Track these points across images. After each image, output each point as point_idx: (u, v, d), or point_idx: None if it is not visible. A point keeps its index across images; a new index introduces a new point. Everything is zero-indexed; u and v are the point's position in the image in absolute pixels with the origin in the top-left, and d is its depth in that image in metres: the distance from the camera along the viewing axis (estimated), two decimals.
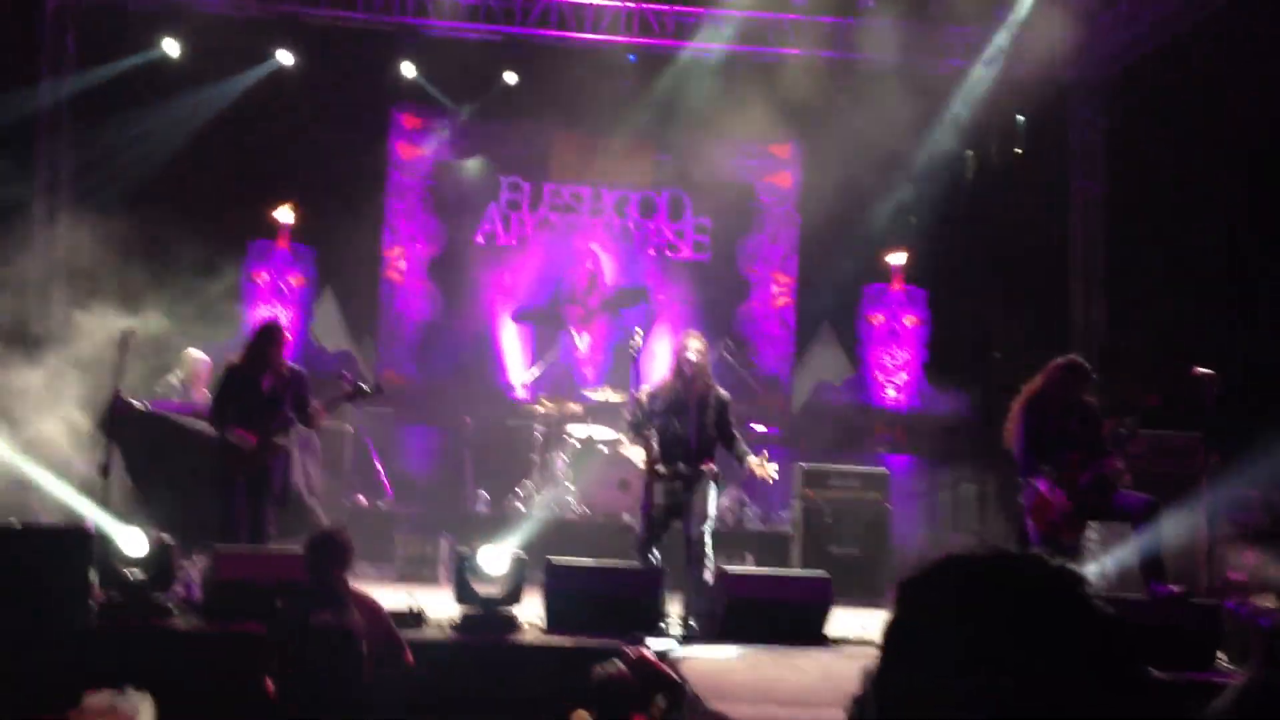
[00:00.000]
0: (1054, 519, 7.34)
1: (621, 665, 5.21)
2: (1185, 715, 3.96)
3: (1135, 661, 1.19)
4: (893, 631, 1.25)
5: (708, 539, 7.79)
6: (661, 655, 6.17)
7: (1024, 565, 1.24)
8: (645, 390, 8.19)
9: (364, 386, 8.33)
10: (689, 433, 7.83)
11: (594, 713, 5.14)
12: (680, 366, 7.94)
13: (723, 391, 8.13)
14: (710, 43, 13.34)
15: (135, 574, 6.83)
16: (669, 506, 7.84)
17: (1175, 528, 7.51)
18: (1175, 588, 6.89)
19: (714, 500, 7.94)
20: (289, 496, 8.20)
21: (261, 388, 7.91)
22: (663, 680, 5.28)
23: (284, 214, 13.56)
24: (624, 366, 13.45)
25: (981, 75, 13.15)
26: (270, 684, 5.37)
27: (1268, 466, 8.96)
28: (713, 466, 7.91)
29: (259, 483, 7.79)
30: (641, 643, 5.54)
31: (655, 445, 7.91)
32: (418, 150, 14.28)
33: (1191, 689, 6.25)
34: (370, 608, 5.60)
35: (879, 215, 13.57)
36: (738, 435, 8.06)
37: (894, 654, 1.24)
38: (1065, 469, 7.40)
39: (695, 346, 7.96)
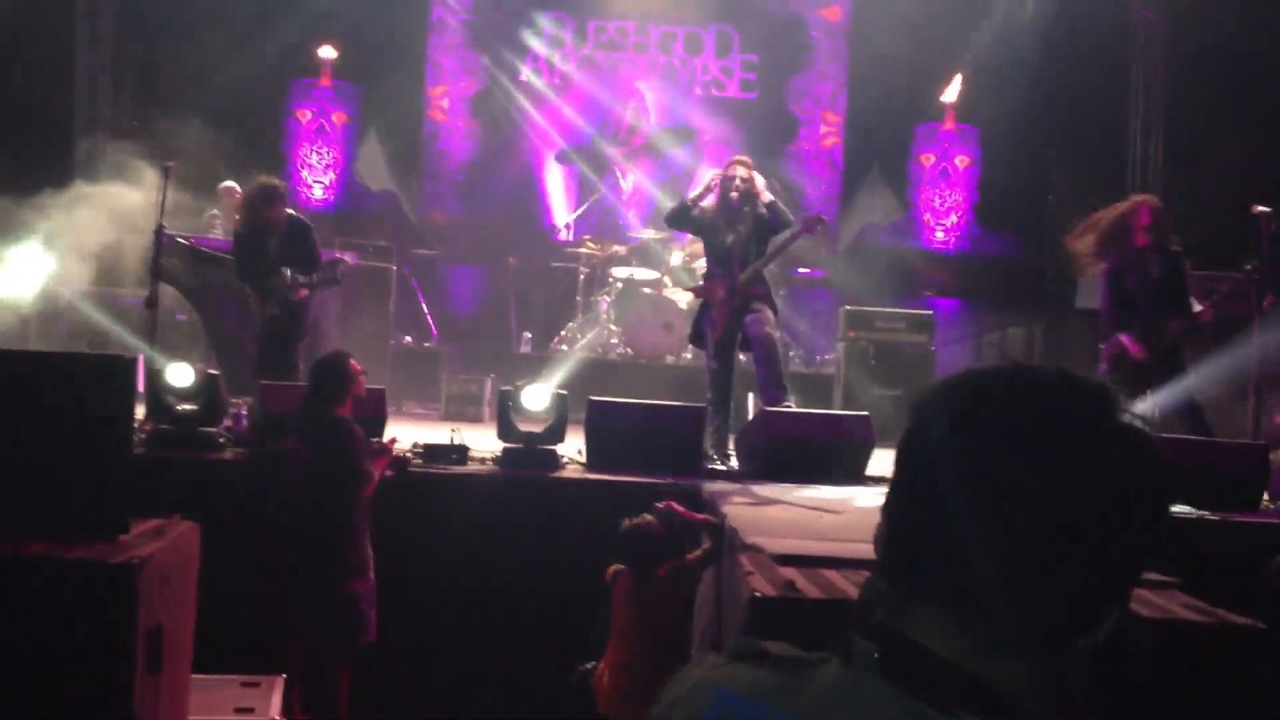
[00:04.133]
0: (1129, 368, 7.28)
1: (650, 517, 5.23)
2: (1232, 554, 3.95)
3: (1159, 484, 1.14)
4: (903, 448, 1.20)
5: (778, 345, 7.80)
6: (697, 493, 6.23)
7: (1048, 378, 1.16)
8: (685, 208, 8.03)
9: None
10: (737, 251, 7.74)
11: (627, 566, 5.18)
12: (726, 189, 7.78)
13: (764, 208, 7.90)
14: None
15: (185, 408, 6.95)
16: (727, 331, 7.78)
17: (1226, 370, 7.42)
18: None
19: (771, 316, 7.86)
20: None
21: (267, 248, 7.98)
22: (694, 526, 5.32)
23: (326, 51, 13.38)
24: (669, 207, 13.41)
25: None
26: None
27: None
28: (758, 291, 7.84)
29: (285, 326, 7.91)
30: (674, 495, 5.55)
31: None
32: None
33: (1239, 530, 6.26)
34: (342, 439, 5.68)
35: (931, 52, 13.14)
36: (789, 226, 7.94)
37: (907, 471, 1.19)
38: (1150, 324, 7.34)
39: (742, 172, 7.80)
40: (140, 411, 6.84)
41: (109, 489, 4.47)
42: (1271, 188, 8.53)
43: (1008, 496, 1.09)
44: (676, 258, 11.34)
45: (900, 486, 1.19)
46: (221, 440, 6.94)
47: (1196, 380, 7.26)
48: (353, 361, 5.93)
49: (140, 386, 7.25)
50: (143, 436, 6.78)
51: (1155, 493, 1.13)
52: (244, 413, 7.38)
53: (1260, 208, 7.48)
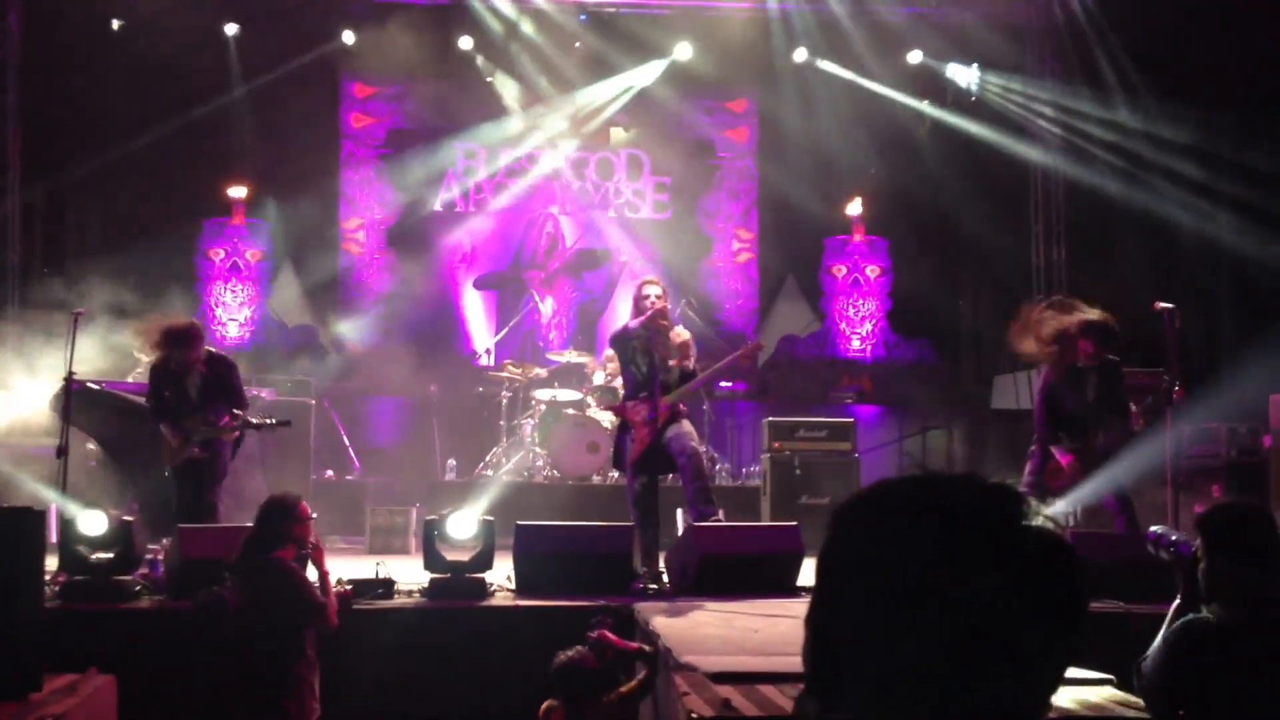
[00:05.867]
0: (1062, 484, 7.39)
1: (583, 649, 5.12)
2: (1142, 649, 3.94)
3: (1073, 582, 1.15)
4: (824, 561, 1.20)
5: (703, 459, 7.84)
6: (629, 614, 6.15)
7: (956, 486, 1.18)
8: (629, 330, 8.09)
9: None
10: (655, 375, 7.76)
11: (560, 700, 5.05)
12: (642, 310, 7.83)
13: (682, 330, 8.07)
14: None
15: (99, 557, 6.75)
16: (649, 450, 7.75)
17: (1142, 463, 7.54)
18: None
19: (693, 430, 7.89)
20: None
21: (188, 388, 7.81)
22: (627, 655, 5.23)
23: (237, 190, 13.40)
24: (588, 329, 13.51)
25: None
26: None
27: (1231, 399, 9.02)
28: (681, 407, 7.87)
29: (202, 468, 7.73)
30: (607, 624, 5.44)
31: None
32: (370, 119, 14.11)
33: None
34: (281, 579, 5.45)
35: (838, 167, 13.51)
36: (697, 369, 8.03)
37: (826, 585, 1.19)
38: (1082, 438, 7.48)
39: (655, 291, 7.88)
40: (52, 563, 6.65)
41: (19, 646, 4.33)
42: (1172, 283, 8.80)
43: (923, 606, 1.09)
44: (599, 378, 11.38)
45: (820, 599, 1.19)
46: (137, 589, 6.73)
47: (1119, 473, 7.37)
48: (303, 505, 5.66)
49: (53, 537, 7.07)
50: (55, 588, 6.56)
51: (1070, 592, 1.14)
52: (160, 559, 7.18)
53: (1162, 304, 7.69)
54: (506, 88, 13.75)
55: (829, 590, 1.18)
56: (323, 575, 5.64)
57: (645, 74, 13.71)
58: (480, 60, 13.58)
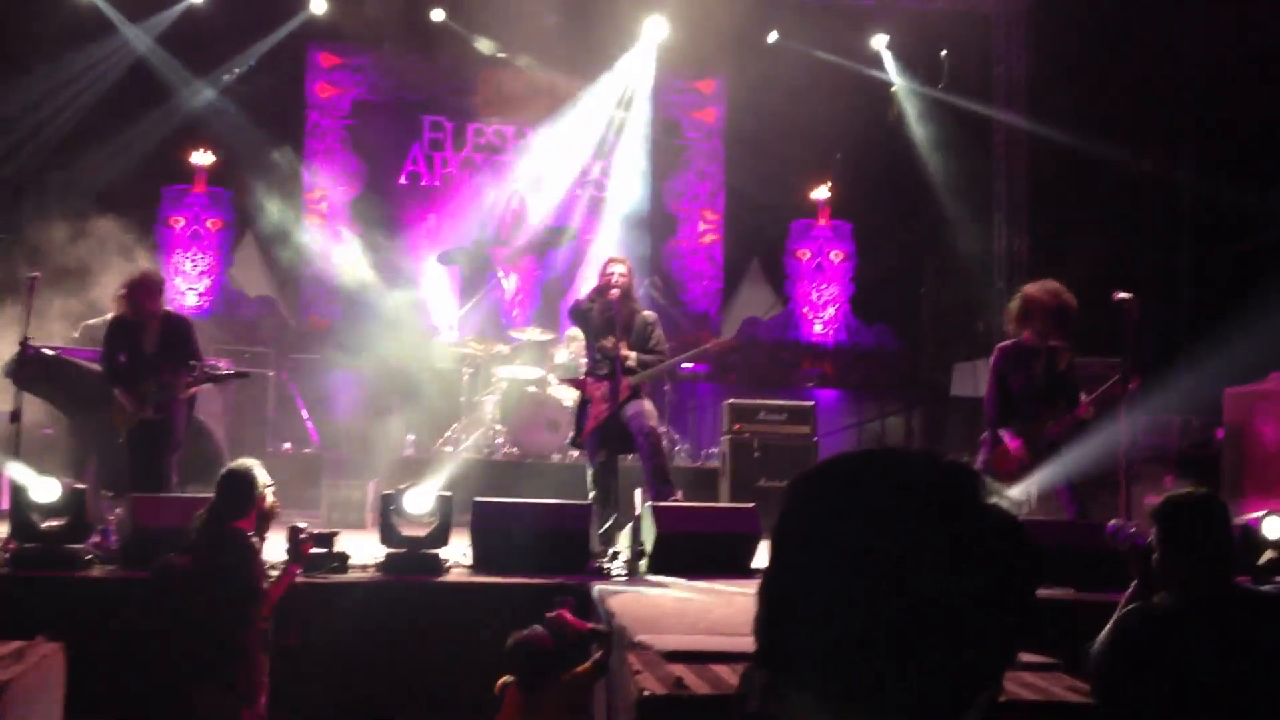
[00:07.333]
0: (1010, 468, 7.46)
1: (538, 628, 5.12)
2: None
3: (1025, 563, 1.15)
4: (780, 531, 1.20)
5: (662, 438, 7.90)
6: (585, 593, 6.15)
7: (914, 462, 1.18)
8: (580, 303, 8.14)
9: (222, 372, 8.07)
10: (616, 351, 7.77)
11: (516, 679, 5.05)
12: (606, 288, 7.86)
13: (648, 313, 8.11)
14: None
15: (51, 524, 6.68)
16: (607, 426, 7.78)
17: (1095, 453, 7.61)
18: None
19: (653, 408, 7.92)
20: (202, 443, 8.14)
21: (144, 345, 7.76)
22: (584, 636, 5.23)
23: (200, 157, 13.26)
24: (551, 307, 13.47)
25: None
26: None
27: (1186, 390, 9.12)
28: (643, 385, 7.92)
29: (156, 435, 7.66)
30: (568, 603, 5.44)
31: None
32: (336, 89, 13.98)
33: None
34: (237, 553, 5.40)
35: (804, 151, 13.52)
36: (666, 351, 8.07)
37: (781, 555, 1.19)
38: (1031, 422, 7.54)
39: (620, 269, 7.91)
40: (3, 530, 6.58)
41: None
42: (1131, 274, 8.87)
43: (877, 578, 1.09)
44: (561, 355, 11.35)
45: (775, 571, 1.19)
46: (89, 557, 6.67)
47: (1071, 462, 7.44)
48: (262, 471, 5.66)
49: (4, 504, 6.99)
50: (5, 555, 6.49)
51: (1022, 573, 1.14)
52: (113, 528, 7.11)
53: (1121, 294, 7.74)
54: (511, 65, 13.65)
55: (783, 560, 1.18)
56: (291, 568, 5.60)
57: (641, 56, 13.63)
58: (460, 31, 13.45)
